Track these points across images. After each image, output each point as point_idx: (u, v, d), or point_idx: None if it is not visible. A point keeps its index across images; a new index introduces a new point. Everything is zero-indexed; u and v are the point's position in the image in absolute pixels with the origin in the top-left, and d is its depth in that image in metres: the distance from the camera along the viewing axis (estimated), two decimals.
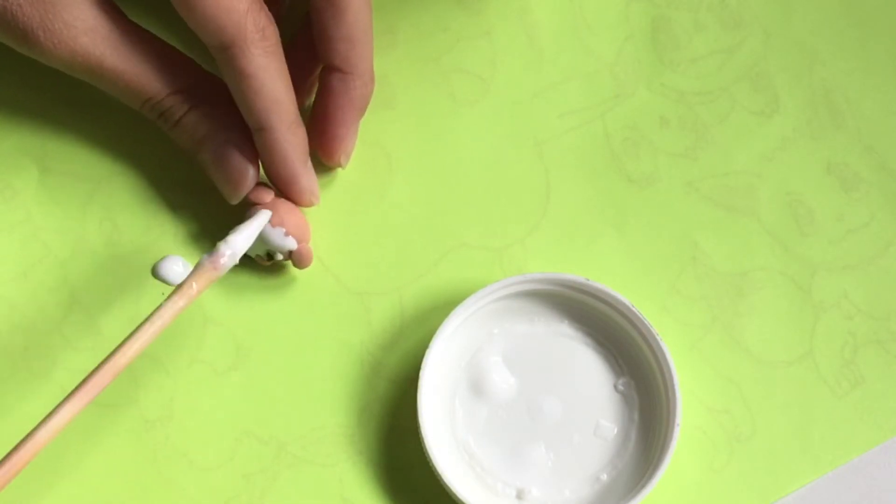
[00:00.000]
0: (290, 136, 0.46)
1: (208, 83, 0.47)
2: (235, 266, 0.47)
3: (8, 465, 0.41)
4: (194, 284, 0.44)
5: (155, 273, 0.48)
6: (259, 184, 0.47)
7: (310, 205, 0.47)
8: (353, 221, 0.49)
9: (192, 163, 0.48)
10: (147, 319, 0.43)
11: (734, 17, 0.51)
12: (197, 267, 0.44)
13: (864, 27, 0.51)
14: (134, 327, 0.47)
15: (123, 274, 0.48)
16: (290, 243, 0.46)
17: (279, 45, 0.45)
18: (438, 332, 0.46)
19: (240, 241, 0.45)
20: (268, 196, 0.47)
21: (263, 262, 0.48)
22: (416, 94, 0.50)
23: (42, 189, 0.49)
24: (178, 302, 0.44)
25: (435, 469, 0.45)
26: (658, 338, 0.46)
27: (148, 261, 0.48)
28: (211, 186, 0.47)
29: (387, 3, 0.51)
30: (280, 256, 0.47)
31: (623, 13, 0.51)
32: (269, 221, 0.46)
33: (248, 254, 0.46)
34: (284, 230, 0.46)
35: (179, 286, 0.44)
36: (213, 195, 0.48)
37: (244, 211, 0.47)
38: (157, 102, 0.46)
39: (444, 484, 0.45)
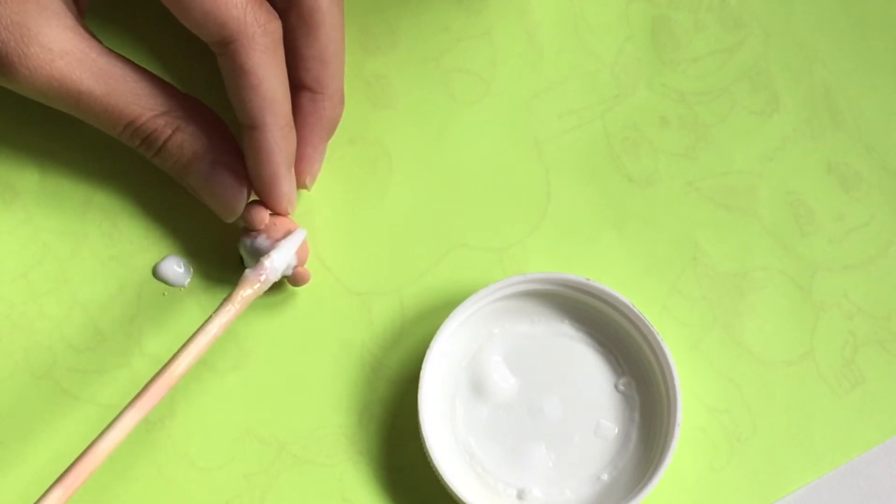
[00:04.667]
0: (280, 139, 0.45)
1: (189, 105, 0.46)
2: (236, 267, 0.47)
3: (63, 485, 0.41)
4: (241, 296, 0.44)
5: (156, 273, 0.48)
6: (253, 203, 0.46)
7: (285, 213, 0.46)
8: (353, 221, 0.49)
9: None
10: (198, 330, 0.43)
11: (734, 17, 0.51)
12: (242, 280, 0.45)
13: (864, 27, 0.51)
14: (134, 327, 0.47)
15: (123, 274, 0.48)
16: (292, 263, 0.46)
17: (280, 42, 0.44)
18: (439, 332, 0.46)
19: (279, 259, 0.45)
20: (264, 219, 0.46)
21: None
22: (416, 94, 0.50)
23: (42, 190, 0.48)
24: (229, 311, 0.44)
25: (435, 469, 0.45)
26: (659, 338, 0.46)
27: (148, 261, 0.48)
28: None
29: (387, 3, 0.51)
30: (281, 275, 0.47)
31: (623, 13, 0.51)
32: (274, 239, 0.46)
33: None
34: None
35: (227, 297, 0.44)
36: None
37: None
38: (139, 126, 0.45)
39: (445, 484, 0.45)
